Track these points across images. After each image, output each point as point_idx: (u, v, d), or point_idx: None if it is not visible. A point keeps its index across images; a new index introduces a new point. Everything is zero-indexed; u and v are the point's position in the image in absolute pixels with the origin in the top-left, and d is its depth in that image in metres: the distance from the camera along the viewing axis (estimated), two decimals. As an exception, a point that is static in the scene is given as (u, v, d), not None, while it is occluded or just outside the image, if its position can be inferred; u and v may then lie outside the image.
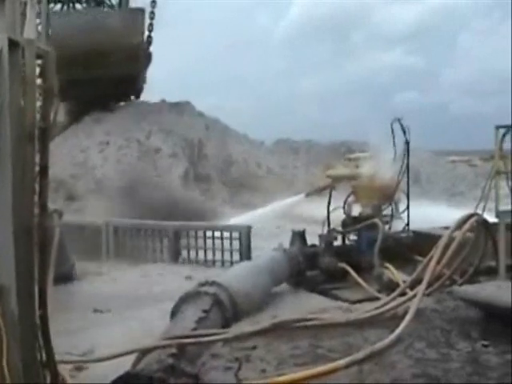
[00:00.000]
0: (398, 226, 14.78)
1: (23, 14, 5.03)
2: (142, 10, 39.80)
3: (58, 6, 57.95)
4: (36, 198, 5.04)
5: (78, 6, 60.10)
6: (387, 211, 14.72)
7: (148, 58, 41.35)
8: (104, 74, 37.84)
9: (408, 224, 14.68)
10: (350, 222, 14.48)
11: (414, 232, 14.40)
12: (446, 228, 9.22)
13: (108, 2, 55.06)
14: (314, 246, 14.28)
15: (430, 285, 8.00)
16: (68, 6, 58.88)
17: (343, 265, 13.47)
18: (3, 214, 4.52)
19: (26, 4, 5.22)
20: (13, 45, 4.56)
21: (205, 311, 8.67)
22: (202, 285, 9.83)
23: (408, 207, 14.71)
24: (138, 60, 39.72)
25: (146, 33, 41.11)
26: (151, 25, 40.94)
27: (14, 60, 4.57)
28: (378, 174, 14.65)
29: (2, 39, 4.45)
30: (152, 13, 40.63)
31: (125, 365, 7.06)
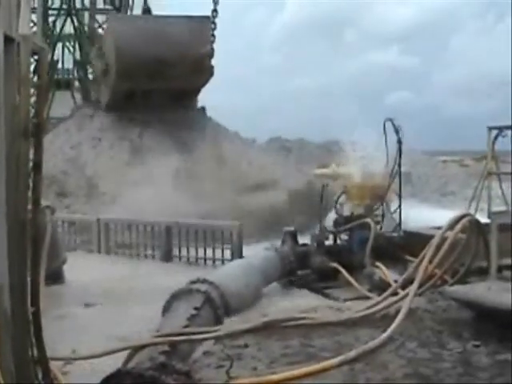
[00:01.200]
0: (389, 225, 14.81)
1: (18, 9, 5.02)
2: (208, 19, 37.96)
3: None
4: (29, 193, 5.04)
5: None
6: (379, 211, 14.75)
7: (210, 71, 39.58)
8: (168, 86, 37.09)
9: (399, 224, 14.71)
10: (341, 222, 14.50)
11: (405, 232, 14.42)
12: (438, 228, 9.24)
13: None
14: (305, 245, 14.29)
15: (421, 285, 8.02)
16: (68, 4, 59.03)
17: (335, 264, 13.49)
18: (-3, 210, 4.52)
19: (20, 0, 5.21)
20: (8, 41, 4.55)
21: (196, 308, 8.67)
22: (194, 282, 9.84)
23: (400, 207, 14.74)
24: (204, 71, 38.43)
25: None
26: (213, 35, 38.73)
27: (8, 56, 4.56)
28: (366, 174, 14.72)
29: (-3, 35, 4.45)
30: (213, 23, 38.32)
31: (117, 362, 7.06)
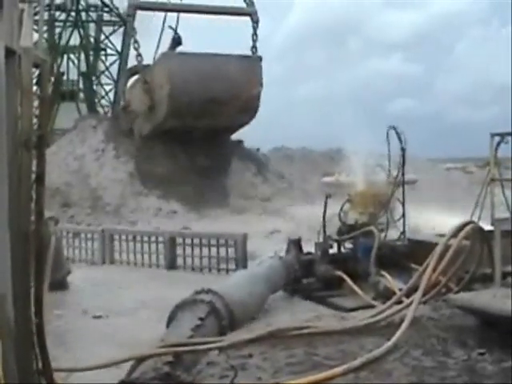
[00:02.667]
0: (393, 233, 14.79)
1: (20, 22, 5.04)
2: (259, 59, 38.12)
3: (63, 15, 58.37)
4: (32, 205, 5.05)
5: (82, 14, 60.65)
6: (383, 219, 14.73)
7: (256, 110, 39.28)
8: (213, 124, 36.98)
9: (404, 232, 14.69)
10: (345, 230, 14.48)
11: (409, 240, 14.40)
12: (442, 235, 9.23)
13: (115, 11, 54.91)
14: (309, 253, 14.28)
15: (425, 293, 8.01)
16: (75, 15, 59.18)
17: (339, 272, 13.47)
18: (0, 220, 4.52)
19: (22, 11, 5.23)
20: (10, 53, 4.56)
21: (201, 319, 8.66)
22: (198, 292, 9.83)
23: (404, 215, 14.72)
24: (252, 111, 38.39)
25: None
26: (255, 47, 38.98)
27: (10, 68, 4.58)
28: (370, 182, 14.71)
29: (-1, 47, 4.46)
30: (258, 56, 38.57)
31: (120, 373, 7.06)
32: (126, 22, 47.42)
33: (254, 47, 38.72)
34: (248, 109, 37.49)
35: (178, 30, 41.41)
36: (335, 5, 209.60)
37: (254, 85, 37.46)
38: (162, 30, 43.44)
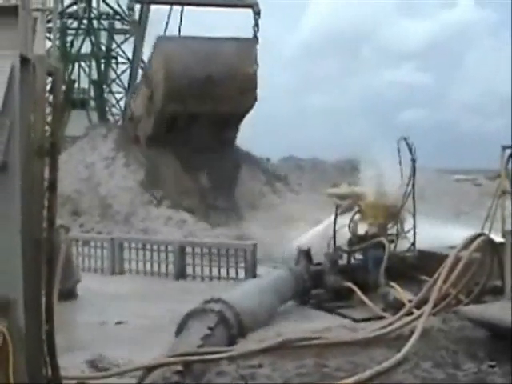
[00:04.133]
0: (403, 245, 14.76)
1: (33, 30, 5.06)
2: (255, 40, 38.39)
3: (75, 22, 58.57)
4: (44, 212, 5.06)
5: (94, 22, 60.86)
6: (393, 230, 14.71)
7: (255, 93, 39.26)
8: (215, 108, 36.99)
9: (414, 243, 14.65)
10: (355, 241, 14.46)
11: (419, 251, 14.37)
12: (452, 247, 9.21)
13: (126, 18, 54.92)
14: (319, 264, 14.25)
15: (435, 304, 7.99)
16: (87, 23, 59.41)
17: (349, 284, 13.45)
18: (12, 228, 4.54)
19: (36, 20, 5.26)
20: (24, 61, 4.58)
21: (210, 328, 8.65)
22: (208, 302, 9.82)
23: (414, 226, 14.68)
24: (251, 93, 38.21)
25: None
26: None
27: (24, 76, 4.60)
28: (380, 193, 14.68)
29: (14, 56, 4.48)
30: (255, 37, 38.70)
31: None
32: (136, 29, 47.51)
33: (254, 36, 38.71)
34: (246, 89, 37.55)
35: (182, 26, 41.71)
36: (347, 14, 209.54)
37: (249, 64, 37.60)
38: (166, 26, 44.01)
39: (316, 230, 26.11)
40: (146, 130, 39.48)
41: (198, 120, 37.48)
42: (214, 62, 36.05)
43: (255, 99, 38.66)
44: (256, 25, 38.46)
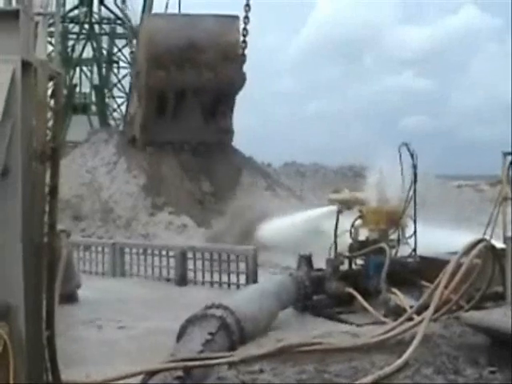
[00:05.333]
0: (404, 250, 14.75)
1: (35, 34, 5.07)
2: (236, 17, 39.44)
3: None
4: (45, 217, 5.06)
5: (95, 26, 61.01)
6: (394, 236, 14.70)
7: (242, 78, 40.37)
8: (200, 78, 37.44)
9: (415, 249, 14.65)
10: (356, 247, 14.45)
11: (420, 257, 14.36)
12: (453, 253, 9.20)
13: (128, 24, 55.25)
14: (320, 270, 14.25)
15: (437, 310, 7.97)
16: (88, 28, 59.57)
17: (350, 289, 13.44)
18: (13, 233, 4.54)
19: (37, 24, 5.26)
20: (26, 66, 4.59)
21: (211, 334, 8.64)
22: (209, 307, 9.81)
23: (415, 232, 14.68)
24: (237, 61, 39.12)
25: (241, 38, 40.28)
26: (245, 29, 40.22)
27: (26, 80, 4.60)
28: (381, 199, 14.68)
29: (16, 60, 4.48)
30: (246, 17, 39.87)
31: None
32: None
33: (247, 5, 39.98)
34: (230, 57, 38.38)
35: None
36: (349, 21, 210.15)
37: (231, 32, 38.69)
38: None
39: (284, 220, 26.14)
40: (138, 121, 39.75)
41: (186, 97, 37.77)
42: (196, 30, 36.97)
43: (244, 78, 39.24)
44: (247, 5, 39.72)
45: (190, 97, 38.22)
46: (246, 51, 39.87)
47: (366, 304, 12.76)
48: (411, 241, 14.78)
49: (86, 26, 60.74)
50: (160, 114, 38.62)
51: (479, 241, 8.74)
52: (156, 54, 36.90)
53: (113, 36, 62.77)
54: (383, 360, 6.80)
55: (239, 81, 39.47)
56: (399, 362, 6.51)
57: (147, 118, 38.89)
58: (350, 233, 14.72)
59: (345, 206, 15.07)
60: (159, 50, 36.66)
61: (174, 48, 36.32)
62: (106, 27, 62.66)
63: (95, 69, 62.15)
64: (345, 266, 14.53)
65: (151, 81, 37.68)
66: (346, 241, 14.70)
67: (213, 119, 39.54)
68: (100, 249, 21.37)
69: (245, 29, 39.95)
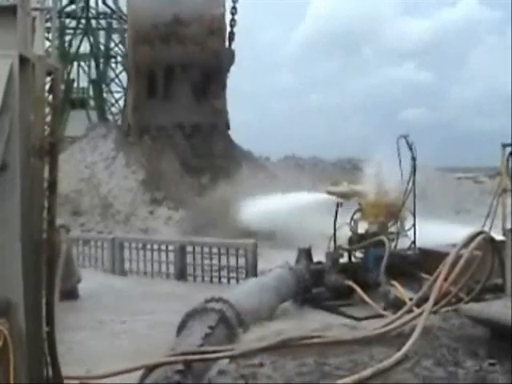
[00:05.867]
0: (404, 243, 14.76)
1: (32, 30, 5.06)
2: None
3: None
4: (44, 213, 5.05)
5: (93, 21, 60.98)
6: (393, 228, 14.70)
7: (231, 55, 40.53)
8: (186, 54, 37.47)
9: (414, 241, 14.65)
10: (356, 240, 14.46)
11: (420, 249, 14.37)
12: (453, 245, 9.20)
13: (125, 18, 55.34)
14: (320, 263, 14.26)
15: (436, 302, 7.98)
16: (85, 23, 59.52)
17: (349, 282, 13.45)
18: (12, 229, 4.53)
19: (35, 19, 5.26)
20: (23, 61, 4.58)
21: (211, 327, 8.65)
22: (209, 301, 9.82)
23: (414, 225, 14.68)
24: (219, 34, 39.21)
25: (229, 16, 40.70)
26: (235, 8, 40.67)
27: (24, 76, 4.59)
28: (380, 191, 14.66)
29: (13, 55, 4.48)
30: (234, 8, 40.34)
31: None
32: None
33: (233, 8, 40.57)
34: (215, 31, 38.44)
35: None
36: (348, 13, 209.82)
37: (215, 6, 38.98)
38: None
39: (263, 202, 26.11)
40: (130, 103, 39.80)
41: (174, 74, 37.84)
42: (181, 4, 37.29)
43: (233, 56, 39.41)
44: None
45: (178, 74, 38.27)
46: (240, 39, 40.43)
47: (365, 297, 12.77)
48: (410, 233, 14.79)
49: (83, 21, 60.64)
50: (151, 95, 38.72)
51: (478, 233, 8.74)
52: (140, 28, 37.14)
53: (109, 31, 62.68)
54: (383, 353, 6.81)
55: (227, 56, 39.63)
56: (399, 354, 6.52)
57: (138, 100, 38.98)
58: (350, 226, 14.73)
59: (343, 198, 15.06)
60: (143, 24, 36.90)
61: (158, 22, 36.48)
62: (103, 22, 62.60)
63: (93, 64, 62.06)
64: (344, 259, 14.55)
65: (137, 56, 37.86)
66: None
67: (205, 99, 39.53)
68: (99, 244, 21.39)
69: (234, 7, 40.49)
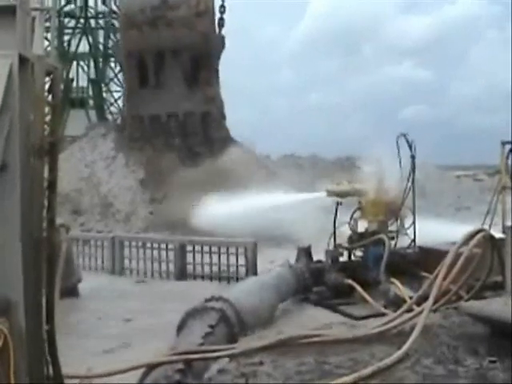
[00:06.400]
0: (403, 241, 14.75)
1: (32, 29, 5.06)
2: None
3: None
4: (44, 212, 5.05)
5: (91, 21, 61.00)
6: (393, 227, 14.70)
7: (221, 41, 40.54)
8: (175, 34, 37.55)
9: (414, 240, 14.65)
10: (356, 238, 14.45)
11: (420, 248, 14.37)
12: (453, 243, 9.21)
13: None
14: (320, 261, 14.26)
15: (436, 301, 7.98)
16: (84, 22, 59.56)
17: (349, 281, 13.45)
18: (12, 228, 4.54)
19: (34, 19, 5.25)
20: (23, 61, 4.58)
21: (211, 326, 8.66)
22: (209, 300, 9.82)
23: (414, 223, 14.68)
24: (206, 15, 39.05)
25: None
26: (223, 6, 40.56)
27: (23, 76, 4.60)
28: (380, 190, 14.65)
29: (13, 55, 4.48)
30: None
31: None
32: None
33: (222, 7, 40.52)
34: (202, 13, 38.59)
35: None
36: (348, 11, 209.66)
37: None
38: None
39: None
40: (124, 92, 39.97)
41: (164, 60, 37.90)
42: None
43: (223, 42, 39.61)
44: None
45: (168, 60, 38.27)
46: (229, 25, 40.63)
47: (365, 295, 12.77)
48: (410, 231, 14.79)
49: (82, 21, 60.60)
50: (142, 84, 38.76)
51: (478, 231, 8.74)
52: (128, 13, 37.28)
53: (108, 30, 62.61)
54: (383, 351, 6.82)
55: (216, 41, 39.71)
56: (399, 352, 6.53)
57: (131, 90, 39.10)
58: (350, 224, 14.72)
59: (344, 197, 15.04)
60: (131, 9, 37.05)
61: (146, 6, 36.66)
62: (102, 21, 62.52)
63: (92, 63, 62.01)
64: (344, 258, 14.56)
65: (127, 42, 38.02)
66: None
67: (197, 87, 39.51)
68: (99, 243, 21.37)
69: (222, 6, 40.39)
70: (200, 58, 39.13)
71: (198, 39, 38.36)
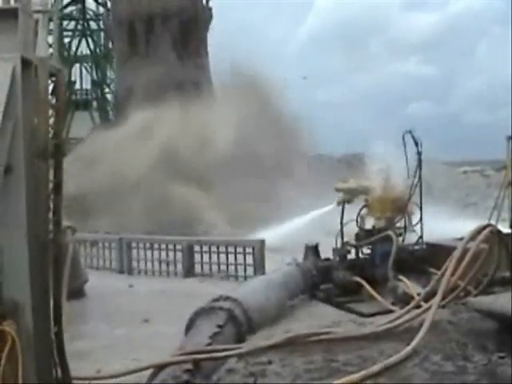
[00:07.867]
0: (411, 238, 14.71)
1: (35, 32, 5.07)
2: None
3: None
4: (50, 214, 5.06)
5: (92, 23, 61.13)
6: (400, 224, 14.66)
7: (209, 12, 41.69)
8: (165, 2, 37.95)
9: (422, 236, 14.62)
10: (363, 235, 14.42)
11: (427, 244, 14.33)
12: (460, 239, 9.19)
13: None
14: (327, 259, 14.23)
15: (444, 297, 7.97)
16: (83, 24, 59.70)
17: (357, 278, 13.42)
18: (18, 230, 4.55)
19: (37, 22, 5.26)
20: (26, 63, 4.59)
21: (219, 326, 8.64)
22: (217, 300, 9.81)
23: (421, 219, 14.64)
24: None
25: None
26: None
27: (27, 78, 4.60)
28: (388, 187, 14.61)
29: (15, 58, 4.49)
30: None
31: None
32: None
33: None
34: None
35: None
36: (354, 7, 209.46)
37: None
38: None
39: None
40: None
41: (154, 27, 38.17)
42: None
43: (210, 13, 39.98)
44: None
45: (158, 27, 38.58)
46: None
47: (373, 292, 12.73)
48: (418, 228, 14.76)
49: (82, 23, 60.76)
50: (132, 53, 38.98)
51: (485, 226, 8.73)
52: None
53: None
54: (391, 348, 6.81)
55: (204, 10, 40.09)
56: (408, 349, 6.52)
57: (121, 60, 39.35)
58: (357, 221, 14.69)
59: (352, 195, 15.01)
60: None
61: None
62: (101, 23, 62.61)
63: (93, 65, 62.10)
64: (352, 255, 14.53)
65: (117, 9, 38.41)
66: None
67: (186, 55, 39.73)
68: (107, 244, 21.41)
69: None
70: (188, 24, 39.41)
71: (187, 3, 38.74)
